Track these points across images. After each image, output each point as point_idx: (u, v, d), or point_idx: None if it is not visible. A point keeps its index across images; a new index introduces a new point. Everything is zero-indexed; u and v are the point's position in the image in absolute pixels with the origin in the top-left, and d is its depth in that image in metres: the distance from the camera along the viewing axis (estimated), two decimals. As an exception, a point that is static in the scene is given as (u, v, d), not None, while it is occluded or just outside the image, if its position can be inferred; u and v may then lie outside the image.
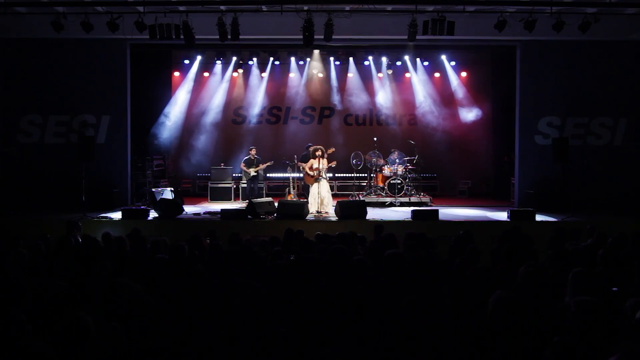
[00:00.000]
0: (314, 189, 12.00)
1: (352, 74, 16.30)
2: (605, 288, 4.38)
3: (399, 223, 10.80)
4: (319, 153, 12.09)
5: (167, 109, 15.75)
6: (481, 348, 3.33)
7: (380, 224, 8.83)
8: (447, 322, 3.58)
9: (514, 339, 3.35)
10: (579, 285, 4.03)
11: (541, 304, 4.01)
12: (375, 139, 14.64)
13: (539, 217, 11.24)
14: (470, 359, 3.34)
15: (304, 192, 13.50)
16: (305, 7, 10.60)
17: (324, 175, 12.05)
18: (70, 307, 3.79)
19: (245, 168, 14.26)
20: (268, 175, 15.49)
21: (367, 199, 13.13)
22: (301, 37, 10.58)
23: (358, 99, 16.42)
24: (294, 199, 12.98)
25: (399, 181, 13.67)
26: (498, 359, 3.31)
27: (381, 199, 13.70)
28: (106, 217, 11.31)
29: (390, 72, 16.16)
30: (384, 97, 16.47)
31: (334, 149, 13.04)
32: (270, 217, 11.20)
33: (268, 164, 14.27)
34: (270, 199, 12.28)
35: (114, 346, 3.22)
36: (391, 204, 13.52)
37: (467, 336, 3.45)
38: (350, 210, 11.18)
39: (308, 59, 15.99)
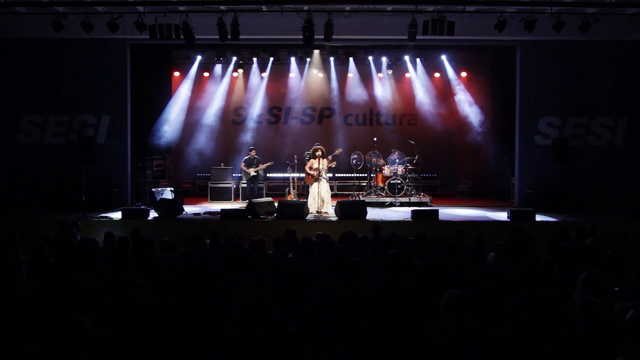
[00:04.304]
0: (313, 189, 12.01)
1: (352, 74, 16.30)
2: (609, 288, 4.38)
3: (398, 223, 10.80)
4: (319, 153, 12.10)
5: (167, 109, 15.72)
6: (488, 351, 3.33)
7: (378, 224, 8.84)
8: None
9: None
10: (591, 286, 4.02)
11: (540, 303, 4.01)
12: (375, 139, 14.63)
13: (539, 217, 11.23)
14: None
15: (304, 192, 13.51)
16: (305, 7, 10.59)
17: (324, 176, 12.06)
18: (67, 307, 3.78)
19: (245, 168, 14.26)
20: (268, 175, 15.49)
21: (367, 199, 13.13)
22: (301, 37, 10.58)
23: (358, 99, 16.42)
24: (294, 199, 12.98)
25: (399, 181, 13.67)
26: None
27: (381, 199, 13.69)
28: (106, 217, 11.31)
29: (390, 72, 16.17)
30: (384, 97, 16.47)
31: (341, 150, 13.05)
32: (270, 217, 11.20)
33: (268, 164, 14.28)
34: (270, 199, 12.28)
35: (111, 347, 3.22)
36: (391, 204, 13.51)
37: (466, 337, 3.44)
38: (350, 210, 11.18)
39: (308, 59, 15.99)
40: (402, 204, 13.44)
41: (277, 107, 16.90)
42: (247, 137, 16.38)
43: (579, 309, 3.36)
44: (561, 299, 4.12)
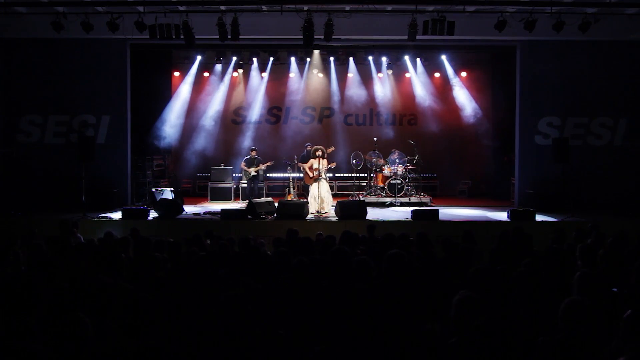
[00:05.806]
0: (313, 189, 12.01)
1: (352, 74, 16.29)
2: (606, 289, 4.38)
3: (399, 223, 10.80)
4: (319, 153, 12.10)
5: (167, 109, 15.73)
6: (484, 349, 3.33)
7: (373, 224, 8.86)
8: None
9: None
10: (585, 286, 4.02)
11: (536, 303, 4.02)
12: (375, 139, 14.63)
13: (539, 217, 11.24)
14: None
15: (304, 192, 13.51)
16: (305, 7, 10.59)
17: (323, 176, 12.06)
18: (68, 307, 3.79)
19: (245, 168, 14.27)
20: (268, 175, 15.50)
21: (367, 199, 13.12)
22: (301, 37, 10.58)
23: (358, 99, 16.41)
24: (294, 199, 12.98)
25: (399, 181, 13.66)
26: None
27: (381, 199, 13.69)
28: (106, 217, 11.31)
29: (390, 72, 16.17)
30: (384, 97, 16.47)
31: (333, 148, 13.10)
32: (270, 217, 11.20)
33: (268, 163, 14.29)
34: (270, 199, 12.28)
35: (113, 347, 3.22)
36: (391, 204, 13.51)
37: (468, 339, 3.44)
38: (350, 210, 11.18)
39: (308, 59, 15.98)
40: (402, 204, 13.44)
41: (277, 107, 16.89)
42: (247, 137, 16.38)
43: (563, 309, 3.36)
44: (559, 299, 4.11)
